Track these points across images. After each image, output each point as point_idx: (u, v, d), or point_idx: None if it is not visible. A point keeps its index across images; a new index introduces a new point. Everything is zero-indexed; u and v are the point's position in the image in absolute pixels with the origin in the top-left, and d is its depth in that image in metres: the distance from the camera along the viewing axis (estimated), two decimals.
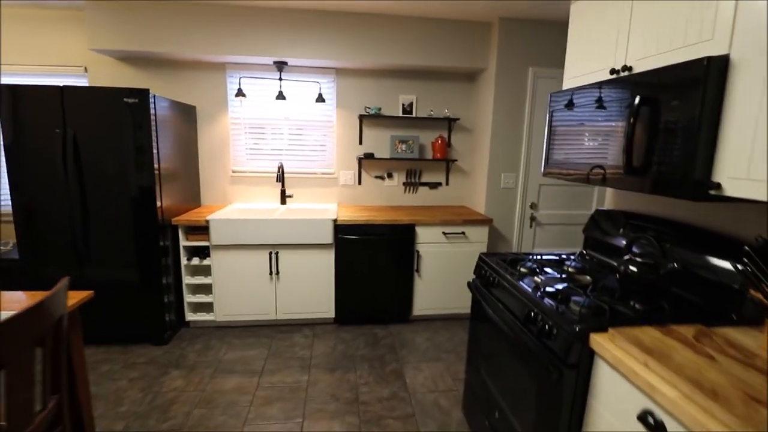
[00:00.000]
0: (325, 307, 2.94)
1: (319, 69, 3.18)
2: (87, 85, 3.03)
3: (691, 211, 1.49)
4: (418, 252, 2.94)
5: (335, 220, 2.81)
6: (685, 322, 1.14)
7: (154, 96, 2.40)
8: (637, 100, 1.21)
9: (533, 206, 3.15)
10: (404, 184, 3.46)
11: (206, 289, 2.95)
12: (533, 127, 3.04)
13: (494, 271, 1.67)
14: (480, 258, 1.83)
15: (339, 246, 2.85)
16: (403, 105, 3.30)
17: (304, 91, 3.20)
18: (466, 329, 3.00)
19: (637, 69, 1.35)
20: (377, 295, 2.95)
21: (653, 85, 1.19)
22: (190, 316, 2.87)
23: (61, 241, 2.45)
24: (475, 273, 1.86)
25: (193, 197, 3.12)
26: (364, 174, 3.40)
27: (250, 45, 2.80)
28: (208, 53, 2.78)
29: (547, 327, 1.23)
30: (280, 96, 3.01)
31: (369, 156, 3.25)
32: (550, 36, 2.93)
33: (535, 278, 1.47)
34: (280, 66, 2.98)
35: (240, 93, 3.00)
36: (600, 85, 1.45)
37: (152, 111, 2.38)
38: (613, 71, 1.45)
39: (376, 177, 3.42)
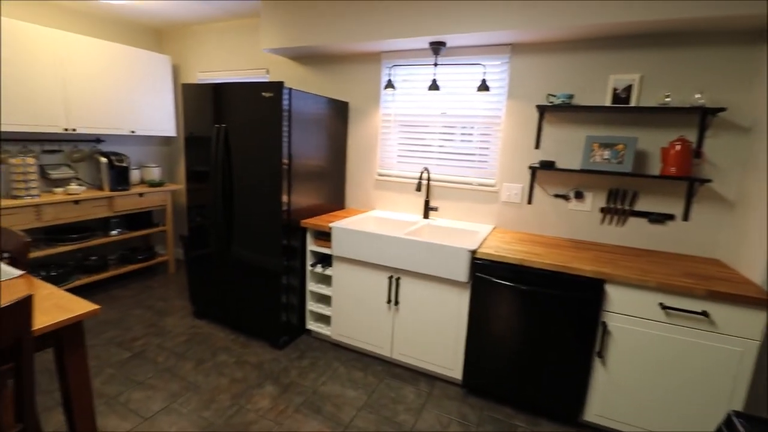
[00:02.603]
0: (450, 362, 2.20)
1: (486, 48, 2.40)
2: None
3: None
4: (605, 325, 1.81)
5: (474, 252, 2.02)
6: None
7: (290, 90, 2.24)
8: None
9: None
10: (602, 210, 2.28)
11: (327, 300, 2.71)
12: None
13: None
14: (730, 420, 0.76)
15: (476, 288, 2.05)
16: (614, 90, 2.14)
17: (463, 79, 2.50)
18: None
19: None
20: (527, 371, 2.00)
21: None
22: (310, 325, 2.69)
23: (214, 221, 2.63)
24: None
25: (336, 199, 2.94)
26: (537, 190, 2.43)
27: (405, 23, 2.31)
28: (363, 40, 2.45)
29: None
30: (434, 86, 2.42)
31: (548, 165, 2.27)
32: None
33: None
34: (437, 48, 2.37)
35: (389, 84, 2.57)
36: None
37: (285, 105, 2.22)
38: None
39: (556, 196, 2.38)
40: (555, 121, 2.32)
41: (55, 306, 1.15)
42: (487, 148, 2.53)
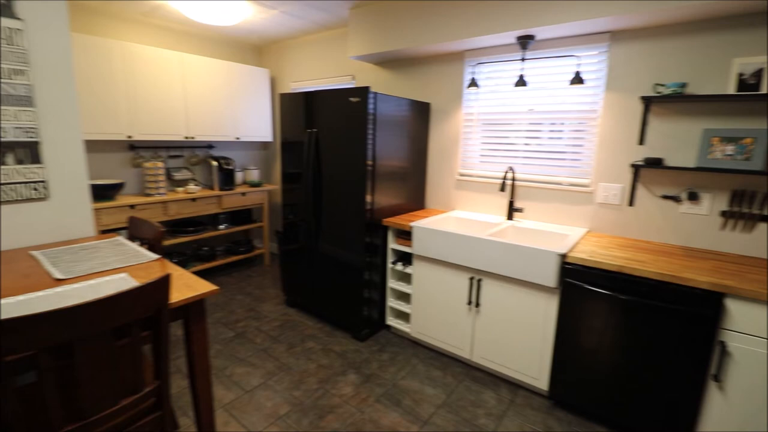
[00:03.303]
0: (534, 371, 2.10)
1: (580, 38, 2.24)
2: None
3: None
4: (724, 345, 1.58)
5: (564, 256, 1.91)
6: None
7: (375, 94, 2.34)
8: None
9: None
10: (724, 213, 1.98)
11: (407, 298, 2.76)
12: None
13: None
14: None
15: (567, 294, 1.93)
16: (740, 76, 1.85)
17: (553, 73, 2.36)
18: None
19: None
20: (626, 389, 1.82)
21: None
22: (390, 320, 2.77)
23: (305, 218, 2.86)
24: None
25: (417, 199, 2.98)
26: (641, 190, 2.20)
27: (490, 19, 2.27)
28: (446, 40, 2.46)
29: None
30: (521, 82, 2.33)
31: (654, 162, 2.05)
32: None
33: None
34: (524, 42, 2.28)
35: (473, 83, 2.53)
36: None
37: (371, 109, 2.32)
38: None
39: (665, 197, 2.13)
40: (663, 113, 2.08)
41: (185, 285, 1.37)
42: (580, 146, 2.36)
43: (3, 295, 1.23)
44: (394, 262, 2.68)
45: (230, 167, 3.66)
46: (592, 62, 2.24)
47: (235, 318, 2.98)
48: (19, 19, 1.69)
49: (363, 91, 2.30)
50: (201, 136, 3.51)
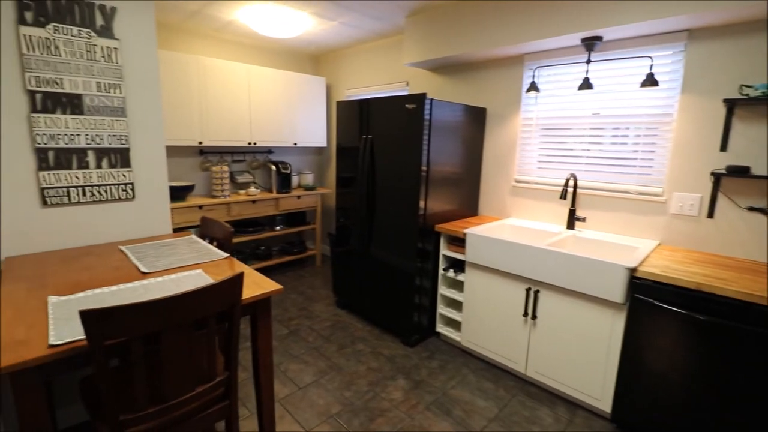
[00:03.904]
0: (597, 391, 1.98)
1: (652, 37, 2.09)
2: None
3: None
4: None
5: (633, 270, 1.78)
6: None
7: (431, 100, 2.35)
8: None
9: None
10: None
11: (458, 305, 2.72)
12: None
13: None
14: None
15: (635, 311, 1.80)
16: None
17: (621, 75, 2.22)
18: None
19: None
20: (703, 417, 1.67)
21: None
22: (440, 328, 2.74)
23: (357, 222, 2.92)
24: None
25: (470, 206, 2.94)
26: (722, 201, 2.00)
27: (552, 21, 2.20)
28: (505, 44, 2.41)
29: None
30: (586, 85, 2.23)
31: (739, 171, 1.86)
32: None
33: None
34: (590, 44, 2.18)
35: (533, 87, 2.46)
36: None
37: (426, 115, 2.33)
38: None
39: (752, 209, 1.93)
40: (750, 117, 1.88)
41: (253, 282, 1.46)
42: (652, 152, 2.20)
43: (99, 285, 1.39)
44: (445, 269, 2.65)
45: (287, 171, 3.84)
46: (667, 62, 2.09)
47: (289, 316, 3.10)
48: (116, 39, 1.91)
49: (419, 98, 2.32)
50: (262, 141, 3.72)
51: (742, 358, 1.54)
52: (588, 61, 2.26)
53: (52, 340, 1.02)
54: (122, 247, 1.86)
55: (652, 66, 2.09)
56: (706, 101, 2.00)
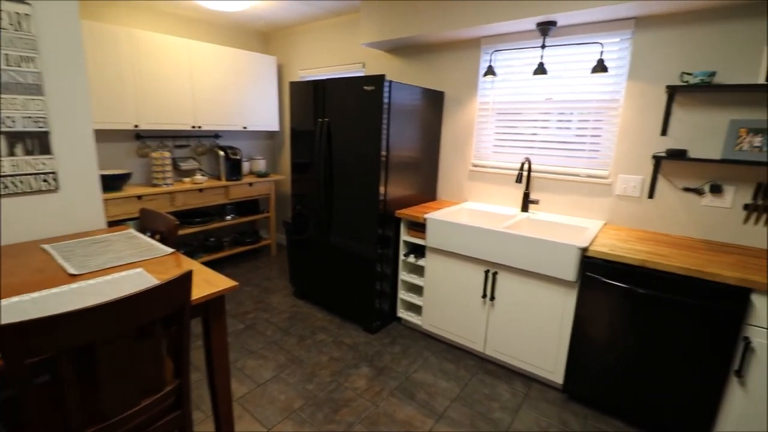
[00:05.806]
0: (550, 365, 2.08)
1: (603, 24, 2.16)
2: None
3: None
4: (748, 341, 1.55)
5: (584, 249, 1.87)
6: None
7: (390, 82, 2.27)
8: None
9: None
10: (747, 207, 1.94)
11: (418, 290, 2.73)
12: None
13: None
14: None
15: (586, 289, 1.89)
16: None
17: (573, 61, 2.29)
18: None
19: None
20: (644, 384, 1.80)
21: None
22: (401, 313, 2.75)
23: (315, 209, 2.82)
24: None
25: (428, 190, 2.93)
26: (662, 182, 2.15)
27: (508, 4, 2.18)
28: (462, 26, 2.37)
29: None
30: (540, 70, 2.26)
31: (677, 154, 1.99)
32: None
33: None
34: (545, 29, 2.20)
35: (490, 71, 2.46)
36: None
37: (385, 98, 2.26)
38: None
39: (686, 189, 2.08)
40: (688, 103, 2.01)
41: (204, 281, 1.34)
42: (599, 136, 2.30)
43: (18, 291, 1.21)
44: (406, 255, 2.64)
45: (237, 157, 3.61)
46: (615, 50, 2.17)
47: (244, 310, 2.96)
48: (27, 3, 1.63)
49: (378, 80, 2.24)
50: (208, 125, 3.45)
51: (679, 327, 1.68)
52: (543, 46, 2.29)
53: None
54: (45, 246, 1.64)
55: (602, 52, 2.16)
56: (649, 87, 2.10)
